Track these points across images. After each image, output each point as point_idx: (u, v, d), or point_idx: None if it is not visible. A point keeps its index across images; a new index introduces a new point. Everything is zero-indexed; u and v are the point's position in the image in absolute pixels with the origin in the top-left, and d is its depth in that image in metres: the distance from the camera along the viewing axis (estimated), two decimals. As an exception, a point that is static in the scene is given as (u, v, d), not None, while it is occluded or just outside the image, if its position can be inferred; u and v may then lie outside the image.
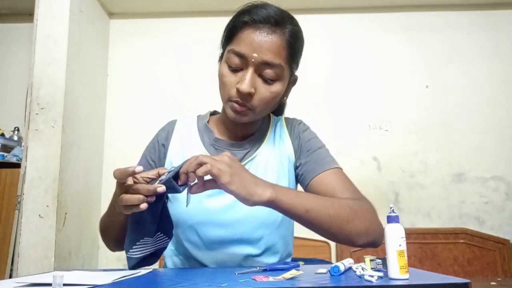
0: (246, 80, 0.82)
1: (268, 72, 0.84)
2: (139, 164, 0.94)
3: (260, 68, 0.84)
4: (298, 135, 0.98)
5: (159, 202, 0.76)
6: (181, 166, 0.72)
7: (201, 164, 0.69)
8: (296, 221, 0.77)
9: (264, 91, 0.85)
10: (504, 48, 2.63)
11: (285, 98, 0.97)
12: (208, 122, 1.00)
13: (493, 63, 2.62)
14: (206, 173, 0.68)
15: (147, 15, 2.74)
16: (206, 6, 2.59)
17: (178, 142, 0.96)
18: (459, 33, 2.66)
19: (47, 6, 2.15)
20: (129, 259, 0.78)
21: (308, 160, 0.93)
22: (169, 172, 0.72)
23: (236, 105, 0.85)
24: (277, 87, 0.86)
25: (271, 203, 0.72)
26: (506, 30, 2.65)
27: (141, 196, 0.69)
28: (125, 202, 0.70)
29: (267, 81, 0.85)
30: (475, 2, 2.66)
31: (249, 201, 0.70)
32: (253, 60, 0.82)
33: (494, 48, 2.63)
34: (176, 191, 0.72)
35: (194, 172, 0.69)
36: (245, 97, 0.84)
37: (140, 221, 0.77)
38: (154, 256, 0.83)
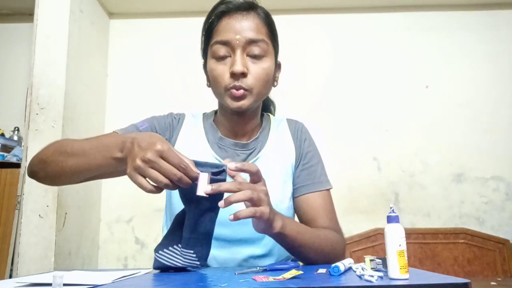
0: (238, 61, 0.85)
1: (255, 49, 0.87)
2: (142, 125, 0.96)
3: (246, 48, 0.87)
4: (301, 141, 0.99)
5: (201, 208, 0.71)
6: (216, 166, 0.69)
7: (254, 200, 0.69)
8: (288, 249, 0.83)
9: (256, 69, 0.87)
10: (504, 48, 2.63)
11: (275, 84, 0.98)
12: (213, 120, 1.01)
13: (493, 63, 2.62)
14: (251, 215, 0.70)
15: (147, 15, 2.74)
16: (206, 6, 2.57)
17: (184, 137, 0.97)
18: (459, 33, 2.66)
19: (47, 6, 2.15)
20: (155, 260, 0.74)
21: (304, 174, 0.96)
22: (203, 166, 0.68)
23: (233, 91, 0.86)
24: (266, 63, 0.89)
25: (278, 235, 0.77)
26: (506, 30, 2.65)
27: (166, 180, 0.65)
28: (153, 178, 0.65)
29: (256, 57, 0.87)
30: (475, 2, 2.66)
31: (264, 230, 0.75)
32: (237, 42, 0.86)
33: (494, 48, 2.63)
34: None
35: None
36: (240, 78, 0.85)
37: (180, 224, 0.73)
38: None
